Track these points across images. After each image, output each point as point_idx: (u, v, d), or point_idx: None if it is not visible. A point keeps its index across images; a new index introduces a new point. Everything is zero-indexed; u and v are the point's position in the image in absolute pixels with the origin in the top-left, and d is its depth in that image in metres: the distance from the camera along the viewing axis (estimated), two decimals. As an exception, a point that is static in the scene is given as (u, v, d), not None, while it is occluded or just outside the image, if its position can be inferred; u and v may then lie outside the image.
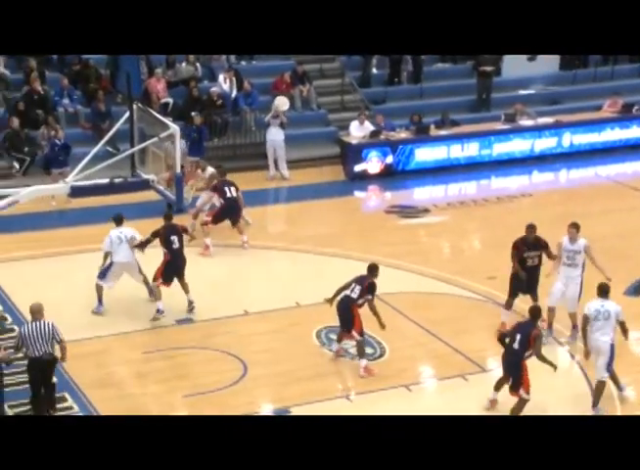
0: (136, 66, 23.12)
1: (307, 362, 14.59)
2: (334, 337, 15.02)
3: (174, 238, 15.44)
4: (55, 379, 12.94)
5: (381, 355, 14.77)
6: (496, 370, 13.84)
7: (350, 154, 22.96)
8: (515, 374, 12.97)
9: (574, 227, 14.88)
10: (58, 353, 12.76)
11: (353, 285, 14.23)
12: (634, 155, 24.74)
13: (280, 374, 14.24)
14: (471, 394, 13.74)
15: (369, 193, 22.60)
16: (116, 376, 14.17)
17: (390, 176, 22.90)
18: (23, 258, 17.01)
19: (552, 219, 20.16)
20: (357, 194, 22.40)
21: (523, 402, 12.89)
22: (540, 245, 15.16)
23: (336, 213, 21.13)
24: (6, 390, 12.79)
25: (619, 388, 13.72)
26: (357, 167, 22.83)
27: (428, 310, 16.07)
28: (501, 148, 24.01)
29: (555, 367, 13.13)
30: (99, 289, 15.68)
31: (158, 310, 15.44)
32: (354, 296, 14.15)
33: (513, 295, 15.30)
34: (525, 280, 15.09)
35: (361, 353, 14.28)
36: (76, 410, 13.13)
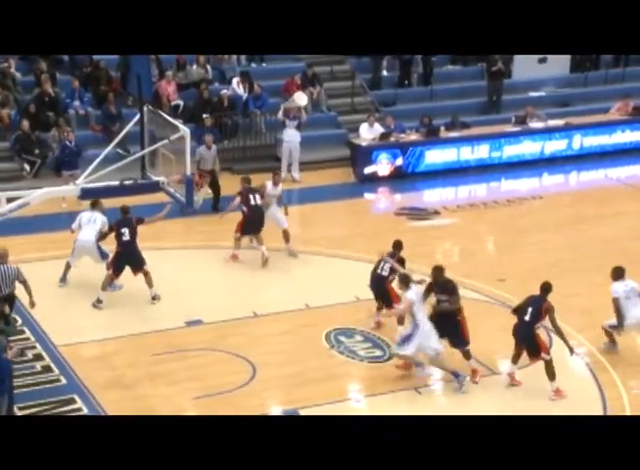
0: (147, 68, 23.14)
1: (317, 364, 14.58)
2: (343, 339, 15.06)
3: (125, 230, 16.04)
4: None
5: (390, 358, 14.74)
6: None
7: (360, 156, 22.95)
8: (529, 343, 13.57)
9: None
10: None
11: (382, 263, 14.90)
12: (645, 157, 24.72)
13: (290, 376, 14.24)
14: (481, 397, 13.71)
15: (379, 195, 22.57)
16: (126, 378, 14.15)
17: (400, 178, 22.88)
18: (34, 260, 17.02)
19: (562, 222, 20.19)
20: (367, 196, 22.39)
21: (548, 363, 13.53)
22: (447, 288, 13.94)
23: (345, 215, 21.12)
24: (15, 392, 12.79)
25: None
26: (367, 169, 22.82)
27: (437, 313, 15.99)
28: (511, 150, 23.96)
29: (571, 350, 13.69)
30: (67, 266, 16.52)
31: (97, 299, 15.98)
32: (385, 274, 14.90)
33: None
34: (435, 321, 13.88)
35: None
36: (85, 412, 13.14)
